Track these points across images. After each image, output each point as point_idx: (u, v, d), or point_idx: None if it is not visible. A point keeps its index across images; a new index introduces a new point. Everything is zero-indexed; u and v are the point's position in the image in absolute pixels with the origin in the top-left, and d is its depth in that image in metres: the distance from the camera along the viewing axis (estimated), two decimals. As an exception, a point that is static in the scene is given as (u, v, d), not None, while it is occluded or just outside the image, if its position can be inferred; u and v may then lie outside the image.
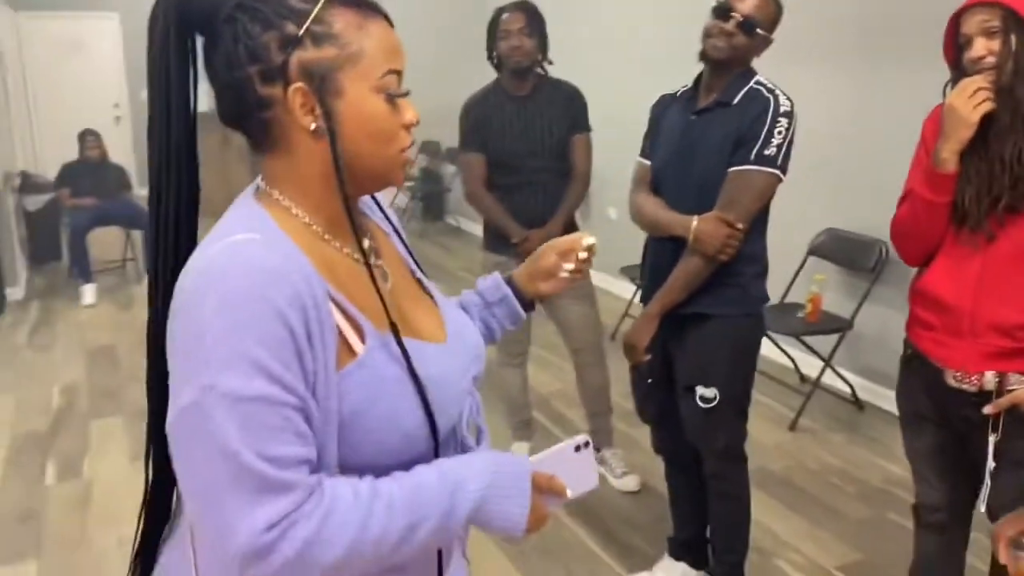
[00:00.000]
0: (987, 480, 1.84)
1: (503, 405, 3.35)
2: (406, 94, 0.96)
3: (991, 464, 1.82)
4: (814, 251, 3.94)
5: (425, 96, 7.83)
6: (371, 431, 0.91)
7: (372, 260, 1.01)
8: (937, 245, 1.86)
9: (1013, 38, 1.65)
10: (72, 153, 6.60)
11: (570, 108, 3.01)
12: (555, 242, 1.31)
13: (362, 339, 0.92)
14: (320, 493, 0.86)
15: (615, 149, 3.78)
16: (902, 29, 3.54)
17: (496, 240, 3.05)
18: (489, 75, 3.09)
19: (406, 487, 0.90)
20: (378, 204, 1.17)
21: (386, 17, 0.96)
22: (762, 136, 2.06)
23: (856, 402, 3.81)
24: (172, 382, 0.86)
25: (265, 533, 0.81)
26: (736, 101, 2.11)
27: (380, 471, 0.92)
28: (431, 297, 1.14)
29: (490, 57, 3.04)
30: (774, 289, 3.99)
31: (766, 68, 2.24)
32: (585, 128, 3.03)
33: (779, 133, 2.06)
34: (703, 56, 2.14)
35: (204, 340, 0.82)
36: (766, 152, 2.06)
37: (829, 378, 3.81)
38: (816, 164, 3.83)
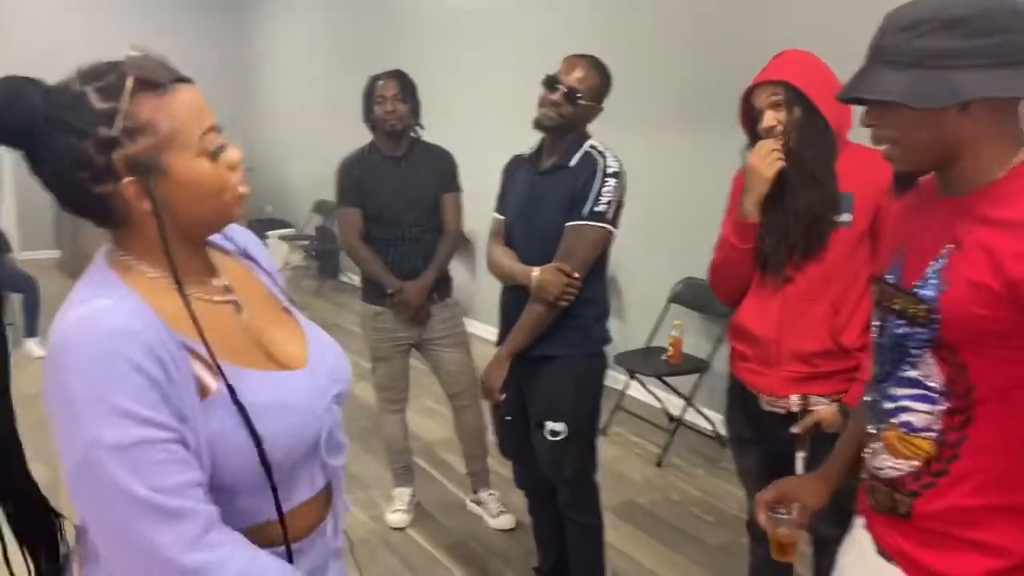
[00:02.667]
0: (800, 494, 2.09)
1: (384, 450, 3.46)
2: (222, 146, 1.05)
3: (801, 478, 2.07)
4: (674, 299, 4.23)
5: (317, 158, 7.97)
6: (227, 456, 1.01)
7: (222, 297, 1.12)
8: (747, 286, 2.13)
9: (796, 109, 1.94)
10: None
11: (441, 169, 3.22)
12: None
13: (216, 379, 1.01)
14: (219, 530, 0.97)
15: (491, 203, 4.00)
16: (721, 99, 3.91)
17: (373, 291, 3.21)
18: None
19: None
20: (229, 239, 1.25)
21: (183, 78, 1.03)
22: (592, 195, 2.30)
23: (717, 437, 4.09)
24: (58, 438, 0.94)
25: (181, 555, 0.92)
26: (573, 163, 2.36)
27: (242, 490, 1.04)
28: (295, 321, 1.23)
29: (366, 120, 3.23)
30: (640, 336, 4.30)
31: (619, 129, 2.50)
32: (455, 188, 3.24)
33: (608, 192, 2.31)
34: (536, 124, 2.39)
35: (74, 406, 0.91)
36: (597, 209, 2.30)
37: (692, 416, 4.08)
38: (670, 219, 4.15)
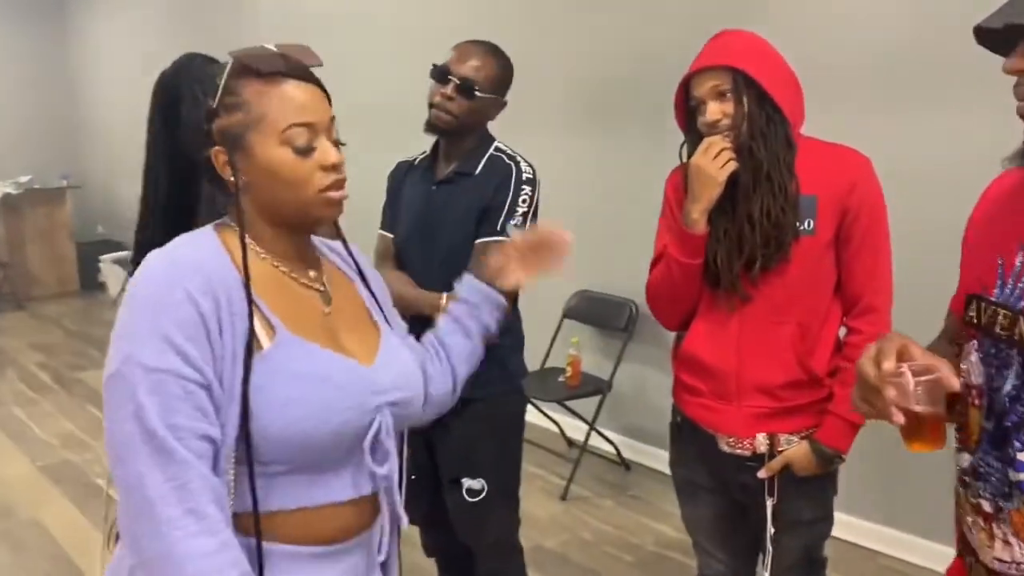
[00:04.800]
0: (768, 547, 1.79)
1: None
2: (313, 148, 1.09)
3: (771, 529, 1.77)
4: (568, 314, 3.93)
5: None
6: (269, 414, 1.02)
7: (311, 283, 1.17)
8: (694, 307, 1.81)
9: (746, 99, 1.64)
10: None
11: None
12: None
13: (271, 338, 1.06)
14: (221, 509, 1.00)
15: (359, 220, 3.56)
16: (632, 95, 3.66)
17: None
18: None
19: None
20: (350, 252, 1.31)
21: (302, 76, 1.10)
22: (507, 205, 1.95)
23: (622, 462, 3.80)
24: (107, 356, 1.01)
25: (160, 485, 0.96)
26: (478, 171, 1.99)
27: (283, 452, 1.04)
28: (378, 333, 1.25)
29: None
30: (534, 355, 3.95)
31: (507, 133, 2.14)
32: None
33: (523, 201, 1.96)
34: (428, 126, 2.01)
35: (131, 319, 1.00)
36: (512, 223, 1.94)
37: (594, 440, 3.78)
38: (562, 226, 3.83)
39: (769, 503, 1.75)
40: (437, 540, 2.24)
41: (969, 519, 1.05)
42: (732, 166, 1.65)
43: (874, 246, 1.70)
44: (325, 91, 1.13)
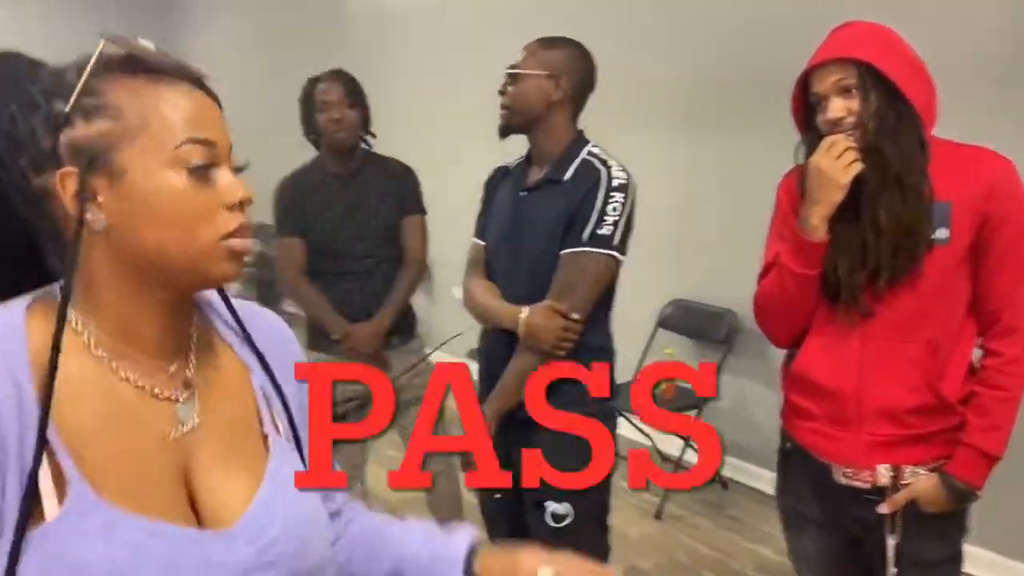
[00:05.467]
0: (889, 587, 1.62)
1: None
2: (210, 166, 0.79)
3: (892, 570, 1.60)
4: (663, 323, 3.79)
5: (257, 178, 7.34)
6: None
7: (169, 392, 0.82)
8: (808, 322, 1.66)
9: (873, 95, 1.48)
10: None
11: (400, 187, 2.71)
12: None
13: (63, 500, 0.72)
14: None
15: (456, 223, 3.51)
16: (734, 92, 3.49)
17: (317, 335, 2.67)
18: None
19: None
20: (237, 319, 0.92)
21: (192, 78, 0.80)
22: (595, 214, 1.84)
23: (720, 481, 3.63)
24: None
25: None
26: (567, 176, 1.89)
27: None
28: (265, 457, 0.86)
29: (307, 133, 2.72)
30: (625, 366, 3.81)
31: (600, 136, 2.03)
32: (419, 210, 2.73)
33: (614, 210, 1.84)
34: (500, 130, 1.96)
35: None
36: (600, 232, 1.83)
37: (690, 456, 3.61)
38: (659, 233, 3.70)
39: (891, 541, 1.58)
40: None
41: None
42: (857, 167, 1.49)
43: (1017, 258, 1.52)
44: (221, 110, 0.83)
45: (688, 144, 3.75)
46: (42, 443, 0.70)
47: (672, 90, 3.80)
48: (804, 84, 1.58)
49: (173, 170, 0.76)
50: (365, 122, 2.68)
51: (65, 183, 0.75)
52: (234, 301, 0.92)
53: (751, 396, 3.60)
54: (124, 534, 0.72)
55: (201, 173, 0.77)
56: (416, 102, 5.28)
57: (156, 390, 0.81)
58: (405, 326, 2.72)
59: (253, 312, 0.95)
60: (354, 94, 2.64)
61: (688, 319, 3.71)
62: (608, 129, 2.16)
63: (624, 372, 3.89)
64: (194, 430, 0.82)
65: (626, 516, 3.36)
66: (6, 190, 0.78)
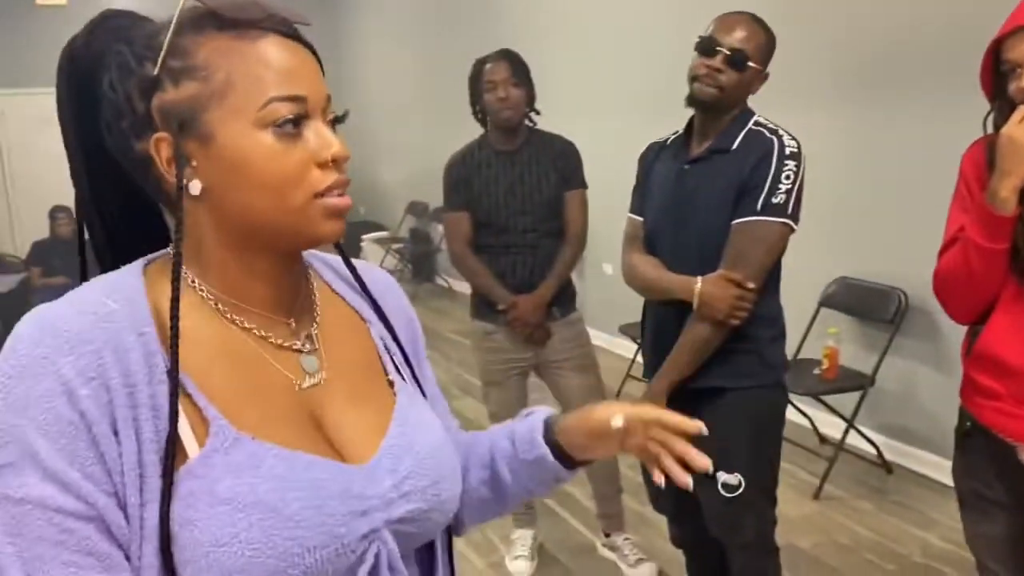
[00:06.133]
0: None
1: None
2: (301, 123, 0.76)
3: (1081, 556, 1.54)
4: (826, 302, 3.68)
5: (410, 157, 7.71)
6: (203, 561, 0.69)
7: (290, 343, 0.82)
8: (993, 299, 1.60)
9: None
10: (45, 231, 6.37)
11: (562, 163, 2.77)
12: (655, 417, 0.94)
13: (204, 439, 0.72)
14: None
15: (606, 200, 3.55)
16: (908, 61, 3.34)
17: (483, 306, 2.79)
18: (476, 131, 2.86)
19: None
20: (356, 275, 0.94)
21: (288, 33, 0.77)
22: (768, 182, 1.83)
23: (883, 464, 3.51)
24: None
25: None
26: (735, 146, 1.88)
27: None
28: (391, 403, 0.87)
29: (475, 111, 2.82)
30: (787, 345, 3.75)
31: (763, 108, 2.01)
32: (580, 184, 2.79)
33: (787, 178, 1.83)
34: (691, 100, 1.92)
35: None
36: (774, 200, 1.83)
37: (852, 439, 3.52)
38: (822, 208, 3.59)
39: (1082, 527, 1.52)
40: (686, 533, 2.18)
41: None
42: (1051, 138, 1.43)
43: None
44: (319, 59, 0.80)
45: (855, 117, 3.61)
46: (176, 383, 0.71)
47: (832, 63, 3.67)
48: (995, 52, 1.52)
49: (261, 130, 0.74)
50: (530, 99, 2.75)
51: (160, 148, 0.75)
52: (353, 262, 0.94)
53: (920, 379, 3.46)
54: (270, 466, 0.73)
55: (289, 131, 0.75)
56: (574, 77, 5.33)
57: (279, 341, 0.81)
58: (566, 298, 2.79)
59: (364, 267, 0.96)
60: (519, 72, 2.71)
61: (853, 297, 3.58)
62: (772, 101, 2.13)
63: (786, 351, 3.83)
64: (322, 383, 0.83)
65: (783, 495, 3.27)
66: (117, 155, 0.79)
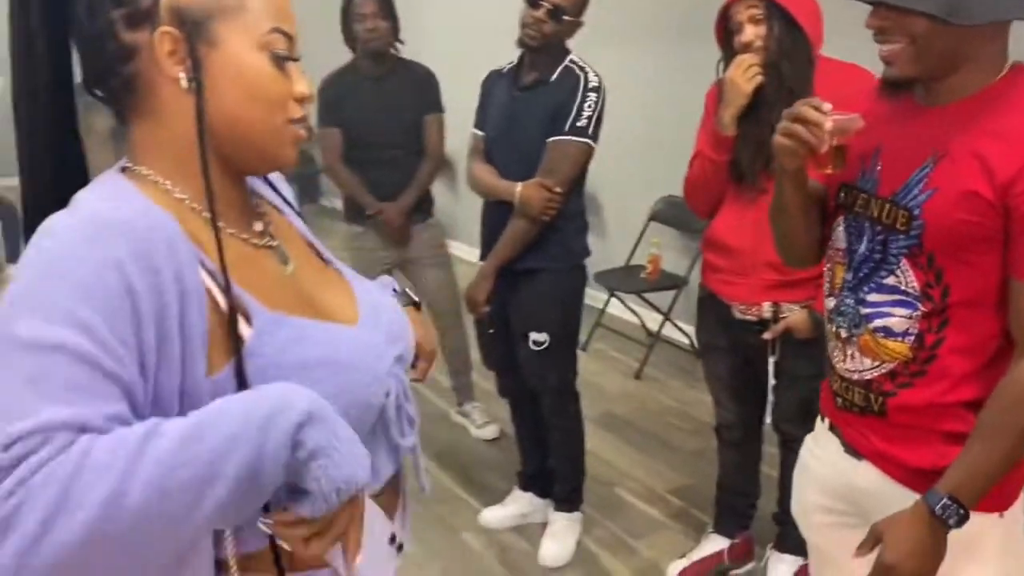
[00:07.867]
0: (770, 396, 2.20)
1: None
2: (295, 59, 0.88)
3: (772, 382, 2.18)
4: (654, 217, 4.28)
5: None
6: None
7: (261, 241, 0.93)
8: (720, 199, 2.19)
9: (775, 25, 1.97)
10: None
11: (423, 89, 3.21)
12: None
13: (248, 322, 0.82)
14: (67, 452, 0.66)
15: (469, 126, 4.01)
16: (700, 13, 3.88)
17: (353, 211, 3.24)
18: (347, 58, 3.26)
19: (198, 416, 0.72)
20: (269, 182, 1.07)
21: None
22: (573, 110, 2.34)
23: (693, 350, 4.19)
24: None
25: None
26: (552, 79, 2.39)
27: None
28: (341, 277, 1.04)
29: (347, 40, 3.20)
30: (620, 254, 4.36)
31: (594, 49, 2.49)
32: (437, 109, 3.22)
33: (589, 107, 2.35)
34: (520, 43, 2.40)
35: (20, 286, 0.71)
36: (578, 124, 2.34)
37: (669, 331, 4.19)
38: (649, 137, 4.17)
39: (772, 360, 2.16)
40: (508, 384, 2.75)
41: (831, 343, 1.43)
42: (758, 80, 2.00)
43: None
44: None
45: (672, 57, 4.14)
46: (226, 272, 0.80)
47: (652, 8, 4.22)
48: (725, 13, 2.07)
49: (261, 52, 0.83)
50: (395, 31, 3.17)
51: (163, 41, 0.80)
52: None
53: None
54: (313, 337, 0.85)
55: (281, 62, 0.85)
56: (430, 13, 5.70)
57: (255, 241, 0.91)
58: (426, 205, 3.27)
59: (277, 178, 1.10)
60: (386, 6, 3.12)
61: (675, 212, 4.14)
62: (601, 43, 2.61)
63: (617, 259, 4.45)
64: (294, 272, 0.94)
65: (611, 377, 3.98)
66: (89, 39, 0.82)
